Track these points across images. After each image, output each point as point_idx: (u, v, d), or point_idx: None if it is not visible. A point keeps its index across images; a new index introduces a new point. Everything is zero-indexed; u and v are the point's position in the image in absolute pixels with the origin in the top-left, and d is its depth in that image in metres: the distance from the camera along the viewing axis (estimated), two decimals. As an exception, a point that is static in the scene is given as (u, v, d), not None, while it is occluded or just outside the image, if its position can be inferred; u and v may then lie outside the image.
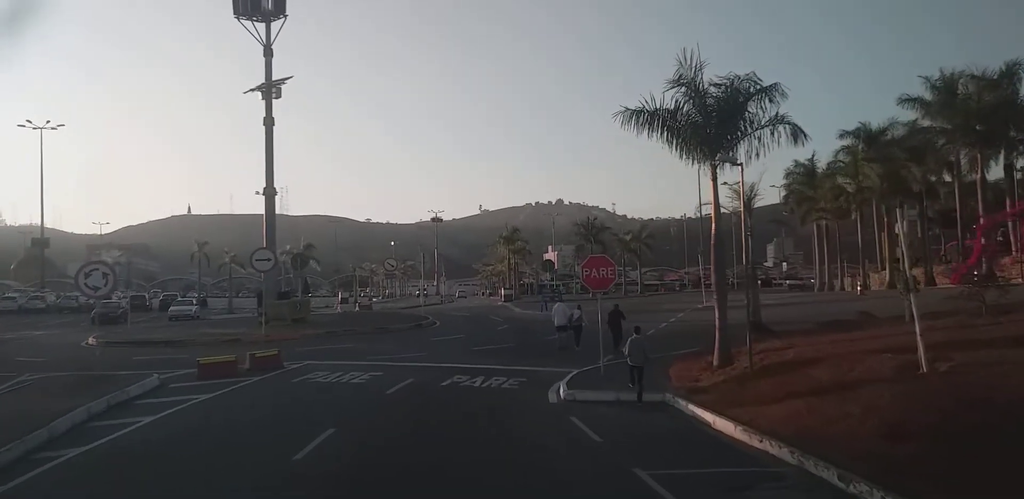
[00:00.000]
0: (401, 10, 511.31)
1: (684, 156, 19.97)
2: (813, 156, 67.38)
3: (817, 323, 25.41)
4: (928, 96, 51.57)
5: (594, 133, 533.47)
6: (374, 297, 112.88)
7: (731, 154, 19.40)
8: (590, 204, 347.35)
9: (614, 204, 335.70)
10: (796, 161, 67.97)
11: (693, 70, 19.02)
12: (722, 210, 22.12)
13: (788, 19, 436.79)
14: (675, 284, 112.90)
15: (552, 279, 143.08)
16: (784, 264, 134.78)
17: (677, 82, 19.15)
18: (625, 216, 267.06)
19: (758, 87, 19.20)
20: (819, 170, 66.33)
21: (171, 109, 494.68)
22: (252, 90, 36.84)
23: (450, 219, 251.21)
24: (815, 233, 68.78)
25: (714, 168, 19.76)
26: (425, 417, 14.92)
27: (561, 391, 17.33)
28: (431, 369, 21.38)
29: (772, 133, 19.49)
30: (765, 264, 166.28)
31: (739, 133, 19.53)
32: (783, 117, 19.37)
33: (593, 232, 74.43)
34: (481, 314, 48.11)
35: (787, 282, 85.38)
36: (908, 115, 53.23)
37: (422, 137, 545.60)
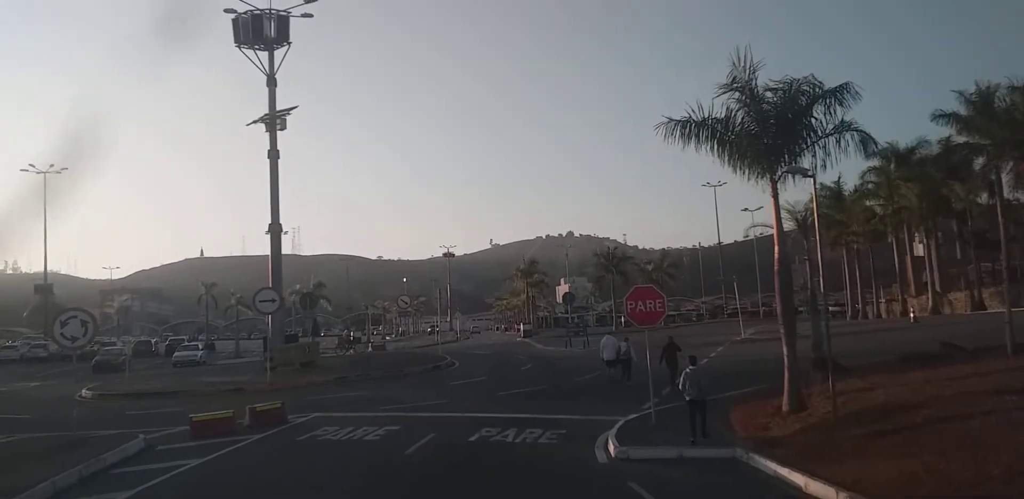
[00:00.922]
0: (409, 42, 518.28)
1: (739, 170, 17.61)
2: (839, 178, 65.06)
3: (893, 357, 22.58)
4: (963, 111, 49.59)
5: (604, 165, 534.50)
6: (388, 335, 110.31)
7: (797, 162, 17.09)
8: (601, 235, 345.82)
9: (625, 235, 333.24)
10: (822, 184, 65.71)
11: (747, 72, 16.75)
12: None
13: (795, 39, 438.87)
14: (691, 314, 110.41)
15: (567, 311, 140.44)
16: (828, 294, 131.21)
17: (730, 86, 16.88)
18: (637, 246, 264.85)
19: (822, 90, 16.89)
20: (845, 193, 64.23)
21: (178, 149, 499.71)
22: (255, 122, 34.94)
23: (461, 254, 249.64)
24: (845, 257, 66.02)
25: (774, 183, 17.37)
26: (452, 488, 12.28)
27: (611, 446, 14.65)
28: (455, 421, 18.75)
29: (838, 142, 17.22)
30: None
31: (802, 143, 17.19)
32: (849, 123, 17.02)
33: (614, 262, 71.74)
34: (502, 352, 45.36)
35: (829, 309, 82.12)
36: (937, 132, 51.20)
37: (431, 173, 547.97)
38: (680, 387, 14.78)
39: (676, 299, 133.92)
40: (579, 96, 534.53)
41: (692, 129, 17.60)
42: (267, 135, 35.16)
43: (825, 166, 17.38)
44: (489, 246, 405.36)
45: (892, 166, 54.50)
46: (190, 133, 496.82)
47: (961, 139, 52.14)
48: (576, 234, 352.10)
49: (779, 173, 17.30)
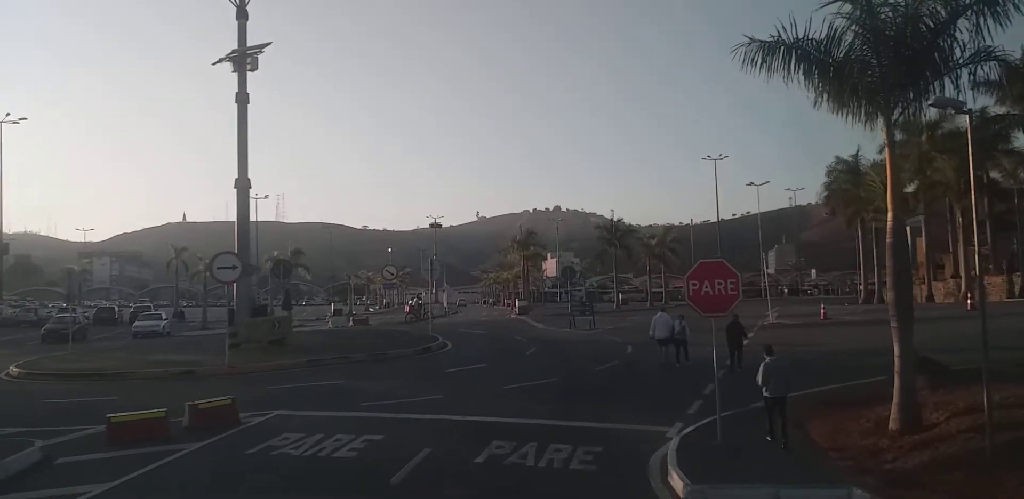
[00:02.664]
0: (397, 13, 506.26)
1: (842, 108, 13.40)
2: (857, 152, 61.21)
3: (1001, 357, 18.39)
4: (1004, 80, 45.51)
5: (592, 140, 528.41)
6: (371, 306, 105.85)
7: (921, 101, 12.90)
8: (588, 211, 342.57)
9: (612, 210, 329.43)
10: (838, 157, 61.74)
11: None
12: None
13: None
14: (680, 291, 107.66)
15: (557, 286, 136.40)
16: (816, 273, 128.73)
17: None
18: (622, 221, 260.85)
19: (962, 3, 12.49)
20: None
21: (158, 112, 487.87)
22: (222, 60, 30.01)
23: (447, 226, 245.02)
24: (859, 237, 62.17)
25: (889, 126, 13.24)
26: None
27: (675, 479, 10.47)
28: (454, 428, 14.55)
29: (972, 75, 12.99)
30: (768, 273, 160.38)
31: (929, 73, 12.87)
32: (992, 50, 12.70)
33: (617, 235, 67.03)
34: (498, 332, 40.95)
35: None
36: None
37: (419, 144, 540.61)
38: (758, 381, 12.18)
39: (665, 277, 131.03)
40: (570, 70, 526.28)
41: (782, 53, 13.27)
42: (236, 78, 30.21)
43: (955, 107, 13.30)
44: (476, 219, 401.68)
45: (924, 137, 50.31)
46: (171, 97, 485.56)
47: (1002, 110, 48.38)
48: (564, 208, 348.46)
49: (898, 112, 13.09)
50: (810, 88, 13.38)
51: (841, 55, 13.15)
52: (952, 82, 13.00)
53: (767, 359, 12.30)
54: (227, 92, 30.19)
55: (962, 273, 47.83)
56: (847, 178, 59.99)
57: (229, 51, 29.78)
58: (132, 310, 61.60)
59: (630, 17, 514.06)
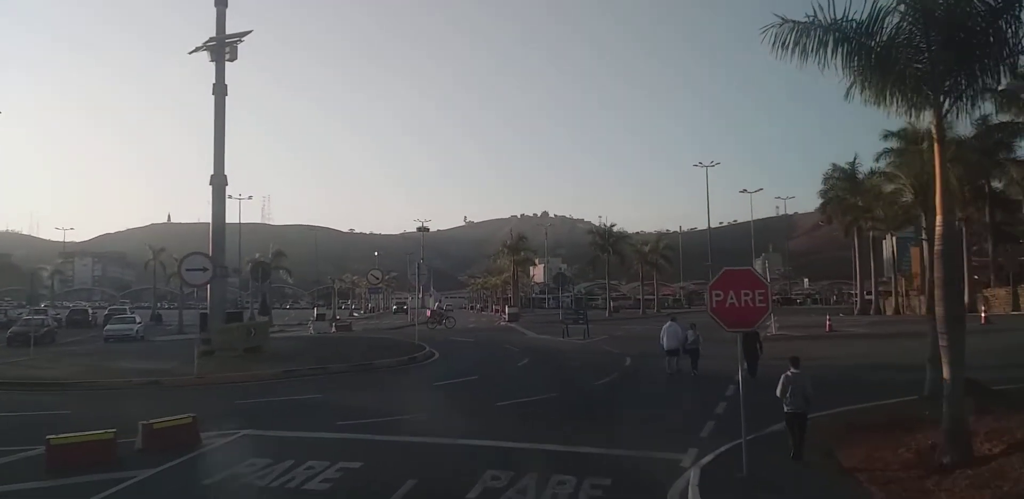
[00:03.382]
0: (377, 20, 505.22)
1: (884, 98, 11.93)
2: (855, 160, 60.12)
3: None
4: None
5: (579, 147, 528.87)
6: (356, 310, 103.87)
7: (975, 90, 11.45)
8: (575, 217, 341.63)
9: (600, 217, 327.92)
10: (834, 165, 60.62)
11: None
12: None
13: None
14: (668, 300, 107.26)
15: (545, 292, 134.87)
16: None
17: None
18: (615, 226, 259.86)
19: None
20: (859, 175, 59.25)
21: (145, 117, 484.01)
22: (199, 49, 28.26)
23: (435, 230, 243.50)
24: (856, 246, 61.02)
25: (940, 116, 11.73)
26: None
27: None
28: (443, 452, 12.93)
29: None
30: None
31: (985, 60, 11.44)
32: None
33: (611, 241, 65.40)
34: (488, 340, 39.17)
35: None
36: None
37: (407, 148, 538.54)
38: (778, 393, 11.64)
39: (659, 283, 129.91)
40: (556, 76, 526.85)
41: (818, 35, 11.80)
42: (215, 68, 28.51)
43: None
44: (464, 223, 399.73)
45: (926, 145, 49.18)
46: (159, 95, 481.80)
47: (1006, 118, 47.37)
48: (551, 214, 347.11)
49: (949, 102, 11.63)
50: (848, 74, 11.91)
51: (885, 38, 11.68)
52: (1008, 71, 11.61)
53: (790, 372, 11.69)
54: (206, 96, 28.42)
55: (965, 284, 46.57)
56: (844, 186, 58.85)
57: (207, 39, 28.01)
58: (106, 312, 59.32)
59: (618, 21, 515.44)
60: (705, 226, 62.37)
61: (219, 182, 27.99)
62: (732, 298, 11.55)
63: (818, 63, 11.93)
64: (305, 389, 19.95)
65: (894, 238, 64.41)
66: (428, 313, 61.10)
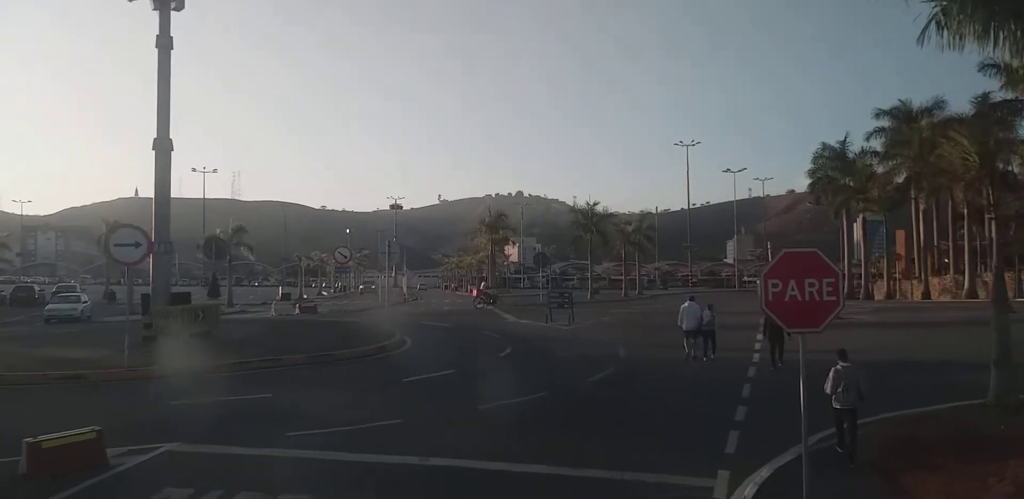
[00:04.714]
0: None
1: (992, 34, 9.32)
2: (845, 138, 58.02)
3: None
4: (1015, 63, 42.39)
5: (555, 126, 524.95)
6: (325, 289, 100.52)
7: None
8: (551, 197, 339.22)
9: (575, 197, 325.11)
10: (824, 144, 58.46)
11: None
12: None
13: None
14: (643, 280, 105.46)
15: (518, 271, 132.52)
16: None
17: None
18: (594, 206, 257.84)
19: None
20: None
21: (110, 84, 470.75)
22: (140, -5, 24.79)
23: (409, 208, 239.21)
24: (844, 227, 59.07)
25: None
26: None
27: None
28: (415, 476, 10.26)
29: None
30: (725, 261, 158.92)
31: None
32: None
33: (594, 220, 62.51)
34: (465, 325, 36.19)
35: None
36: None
37: (381, 124, 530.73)
38: (826, 390, 10.58)
39: (625, 264, 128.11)
40: (537, 56, 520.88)
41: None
42: (159, 18, 25.10)
43: None
44: (437, 202, 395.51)
45: (925, 123, 47.19)
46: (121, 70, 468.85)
47: (1008, 95, 45.39)
48: (526, 194, 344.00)
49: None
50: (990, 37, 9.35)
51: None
52: None
53: (840, 366, 10.61)
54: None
55: (965, 268, 44.83)
56: (834, 165, 56.80)
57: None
58: (54, 290, 55.23)
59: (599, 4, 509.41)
60: (677, 208, 60.36)
61: (163, 146, 24.72)
62: (793, 289, 8.89)
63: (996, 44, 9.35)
64: (254, 386, 17.06)
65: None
66: (474, 292, 56.63)
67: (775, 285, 8.90)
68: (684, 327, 21.23)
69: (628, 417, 14.17)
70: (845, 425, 10.54)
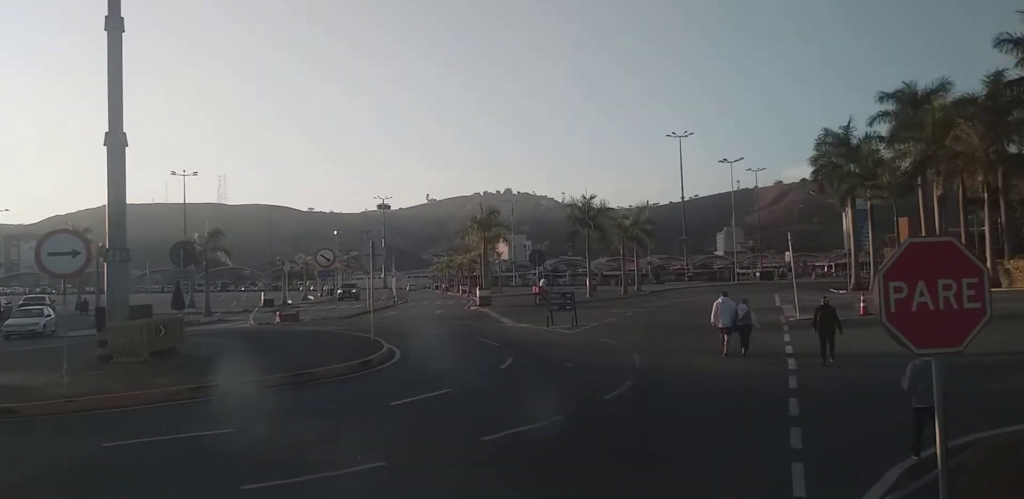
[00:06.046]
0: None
1: None
2: (849, 124, 55.85)
3: None
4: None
5: (541, 123, 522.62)
6: (312, 293, 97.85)
7: None
8: (539, 194, 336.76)
9: (564, 193, 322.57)
10: (827, 130, 56.19)
11: None
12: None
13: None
14: (635, 275, 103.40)
15: (509, 270, 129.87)
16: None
17: None
18: (591, 200, 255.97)
19: None
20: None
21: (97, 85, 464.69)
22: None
23: (397, 208, 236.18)
24: (850, 216, 56.88)
25: None
26: None
27: None
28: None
29: None
30: (716, 253, 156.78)
31: None
32: None
33: (591, 214, 59.88)
34: (459, 331, 33.40)
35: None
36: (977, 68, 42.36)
37: (368, 125, 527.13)
38: (904, 385, 9.65)
39: (617, 259, 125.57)
40: (520, 55, 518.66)
41: None
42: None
43: None
44: (426, 201, 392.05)
45: (939, 104, 45.05)
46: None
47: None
48: (514, 191, 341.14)
49: None
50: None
51: None
52: None
53: (918, 360, 9.42)
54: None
55: (987, 255, 42.54)
56: (839, 152, 54.54)
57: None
58: (20, 302, 52.22)
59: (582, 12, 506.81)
60: (665, 201, 57.83)
61: (116, 141, 22.00)
62: (923, 294, 6.38)
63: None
64: (213, 417, 14.39)
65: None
66: (535, 290, 52.75)
67: (899, 290, 6.39)
68: (720, 324, 20.94)
69: (662, 447, 11.64)
70: (924, 428, 9.40)
